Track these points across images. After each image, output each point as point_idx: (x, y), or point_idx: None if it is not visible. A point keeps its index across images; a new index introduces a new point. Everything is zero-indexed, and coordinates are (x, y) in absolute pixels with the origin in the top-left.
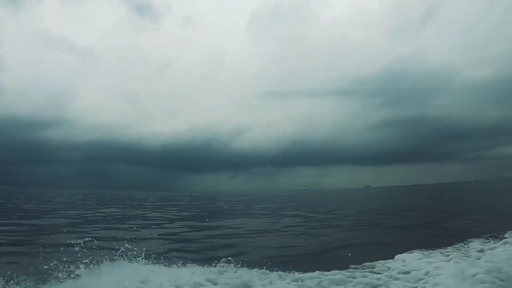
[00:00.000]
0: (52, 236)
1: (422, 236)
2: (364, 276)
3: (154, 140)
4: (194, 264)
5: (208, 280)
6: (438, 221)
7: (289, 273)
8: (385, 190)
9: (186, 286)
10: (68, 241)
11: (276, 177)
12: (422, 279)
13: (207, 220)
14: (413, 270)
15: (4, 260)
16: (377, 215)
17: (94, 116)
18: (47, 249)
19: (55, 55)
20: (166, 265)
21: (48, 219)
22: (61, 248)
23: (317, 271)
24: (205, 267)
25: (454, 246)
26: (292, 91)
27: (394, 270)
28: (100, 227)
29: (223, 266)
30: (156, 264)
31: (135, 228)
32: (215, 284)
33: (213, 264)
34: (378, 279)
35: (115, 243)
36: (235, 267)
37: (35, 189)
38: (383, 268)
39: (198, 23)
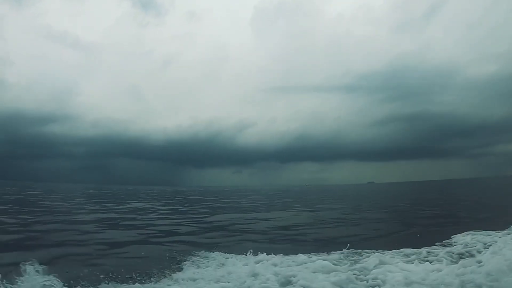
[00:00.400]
0: (104, 232)
1: (467, 222)
2: (445, 249)
3: (158, 135)
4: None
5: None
6: (469, 211)
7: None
8: (389, 186)
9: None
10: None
11: (280, 172)
12: (501, 248)
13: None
14: (485, 247)
15: (84, 262)
16: (408, 207)
17: (97, 111)
18: (116, 248)
19: (59, 51)
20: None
21: (81, 215)
22: (134, 246)
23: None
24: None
25: (507, 228)
26: (295, 87)
27: (471, 245)
28: (145, 224)
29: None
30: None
31: (184, 222)
32: (345, 271)
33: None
34: (461, 253)
35: (182, 237)
36: (327, 254)
37: (38, 183)
38: (459, 243)
39: (202, 18)
